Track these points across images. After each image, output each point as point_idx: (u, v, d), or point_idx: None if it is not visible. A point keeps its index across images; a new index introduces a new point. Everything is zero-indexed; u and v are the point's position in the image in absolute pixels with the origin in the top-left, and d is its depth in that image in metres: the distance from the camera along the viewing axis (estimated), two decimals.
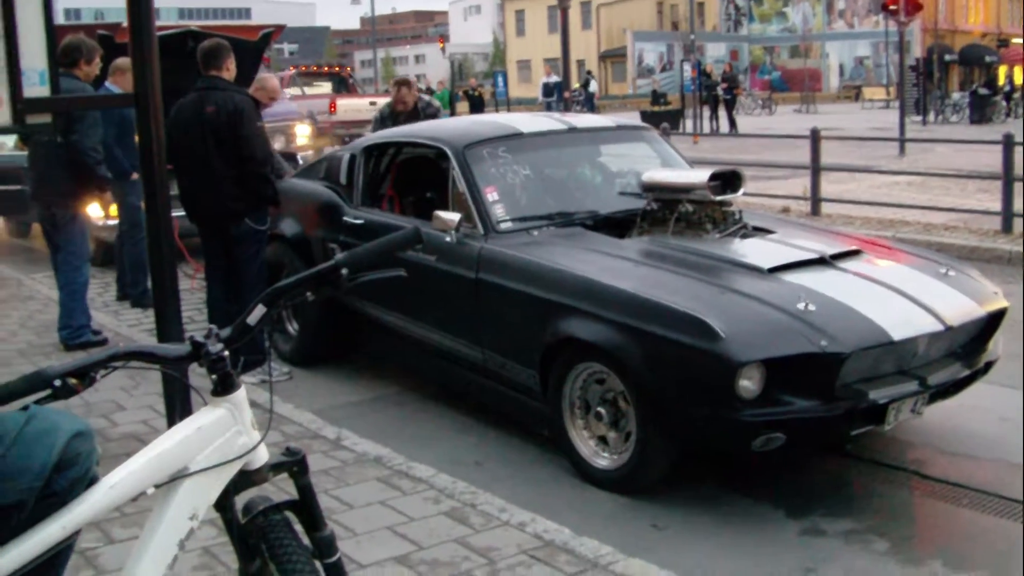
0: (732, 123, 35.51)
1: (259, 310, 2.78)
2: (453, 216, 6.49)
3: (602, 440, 5.80)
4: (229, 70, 7.68)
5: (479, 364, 6.50)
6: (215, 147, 7.47)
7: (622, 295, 5.52)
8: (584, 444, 5.86)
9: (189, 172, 7.62)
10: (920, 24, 55.84)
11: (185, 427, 2.71)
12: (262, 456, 2.85)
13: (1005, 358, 6.75)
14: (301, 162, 13.61)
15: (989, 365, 6.03)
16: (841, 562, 4.97)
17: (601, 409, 5.73)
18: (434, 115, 11.36)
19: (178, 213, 6.84)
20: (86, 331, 8.67)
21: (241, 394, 2.77)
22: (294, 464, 2.91)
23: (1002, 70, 57.21)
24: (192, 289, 10.01)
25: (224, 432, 2.73)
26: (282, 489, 3.75)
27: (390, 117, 11.35)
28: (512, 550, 4.76)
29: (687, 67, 37.46)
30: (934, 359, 5.66)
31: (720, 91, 36.27)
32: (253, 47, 12.37)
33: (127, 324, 9.53)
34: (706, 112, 36.40)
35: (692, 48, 43.69)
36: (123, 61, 10.09)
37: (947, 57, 60.55)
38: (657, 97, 40.06)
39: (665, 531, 5.32)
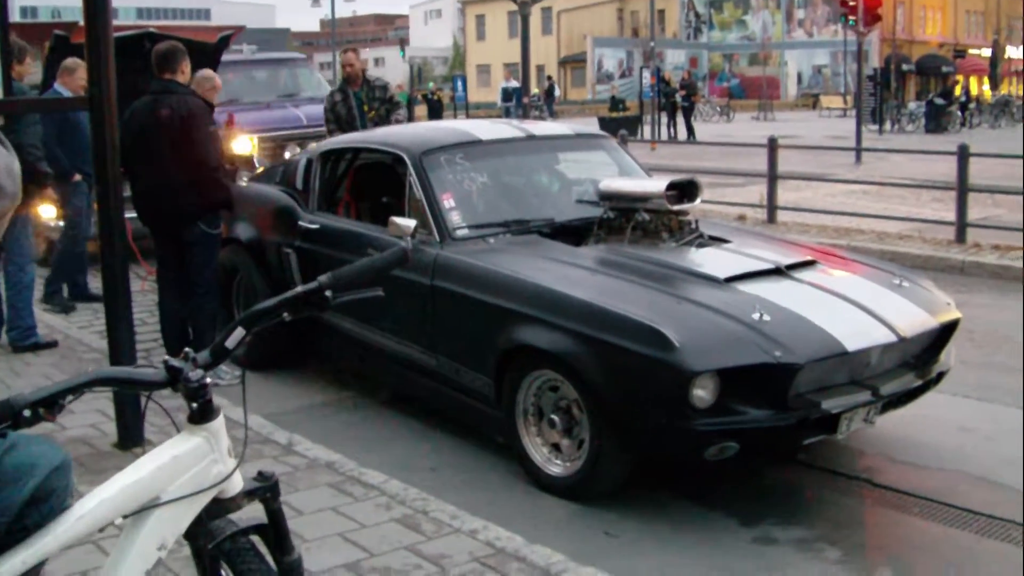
0: (690, 130, 35.59)
1: (238, 332, 2.70)
2: (409, 223, 6.44)
3: (555, 447, 5.79)
4: (184, 73, 7.60)
5: (433, 370, 6.48)
6: (169, 150, 7.38)
7: (577, 303, 5.52)
8: (537, 451, 5.85)
9: (143, 175, 7.56)
10: (878, 34, 56.23)
11: (159, 455, 2.64)
12: (236, 483, 2.78)
13: (961, 368, 6.82)
14: None
15: (941, 375, 6.07)
16: (793, 571, 4.99)
17: (555, 416, 5.72)
18: (389, 99, 11.30)
19: (130, 215, 6.79)
20: (34, 332, 8.57)
21: (219, 422, 2.70)
22: (267, 490, 2.84)
23: (958, 80, 57.70)
24: (143, 290, 9.91)
25: (200, 461, 2.66)
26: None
27: (340, 91, 11.28)
28: (463, 558, 4.74)
29: (646, 74, 37.57)
30: (887, 369, 5.69)
31: (678, 98, 36.36)
32: (211, 49, 12.28)
33: (77, 326, 9.44)
34: (664, 119, 36.50)
35: (652, 55, 43.81)
36: (71, 62, 10.01)
37: (904, 67, 61.08)
38: (616, 103, 40.06)
39: (618, 539, 5.31)
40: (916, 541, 5.35)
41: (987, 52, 67.56)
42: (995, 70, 62.95)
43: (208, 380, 2.64)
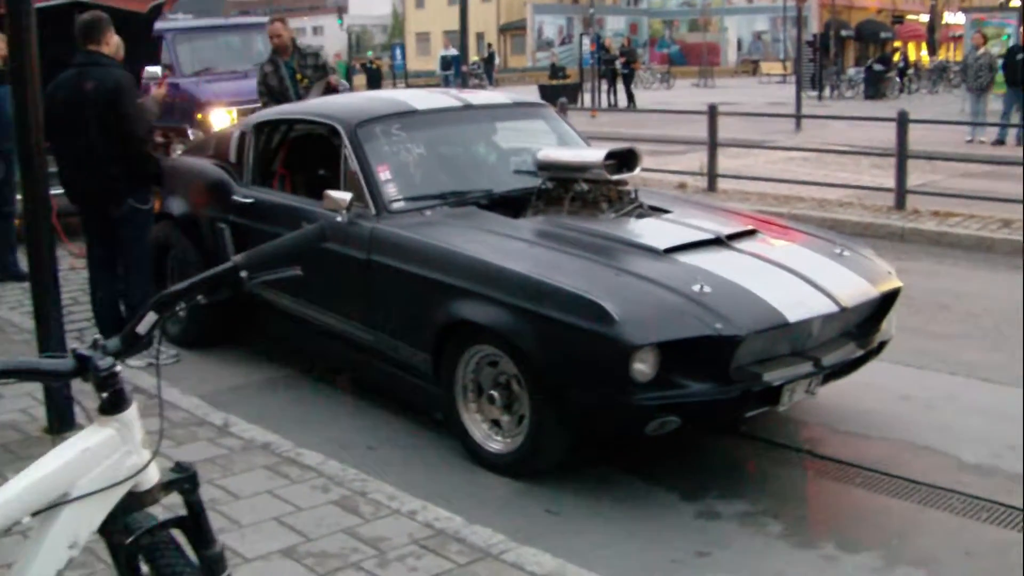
0: (630, 97, 35.53)
1: (150, 317, 2.58)
2: (344, 195, 6.33)
3: (495, 424, 5.71)
4: (109, 44, 7.33)
5: (372, 346, 6.37)
6: (96, 125, 7.13)
7: (515, 277, 5.43)
8: (477, 428, 5.77)
9: (69, 151, 7.32)
10: (818, 0, 56.43)
11: (68, 449, 2.50)
12: (152, 476, 2.65)
13: (905, 335, 6.80)
14: None
15: (882, 345, 6.05)
16: (736, 545, 4.95)
17: (494, 392, 5.63)
18: (323, 66, 11.00)
19: (57, 192, 6.59)
20: None
21: (132, 412, 2.56)
22: (185, 481, 2.71)
23: (897, 46, 58.00)
24: (72, 268, 9.70)
25: (112, 453, 2.52)
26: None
27: (270, 62, 10.89)
28: (402, 540, 4.65)
29: (586, 41, 37.43)
30: (828, 340, 5.65)
31: (618, 65, 36.27)
32: (143, 19, 12.03)
33: (7, 306, 9.21)
34: (604, 86, 36.42)
35: (592, 21, 43.63)
36: None
37: (843, 33, 61.28)
38: (556, 71, 39.92)
39: (559, 516, 5.25)
40: (859, 512, 5.32)
41: (925, 18, 67.97)
42: (933, 36, 63.39)
43: (118, 368, 2.51)
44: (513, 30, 78.77)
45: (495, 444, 5.70)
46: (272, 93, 10.59)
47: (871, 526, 5.13)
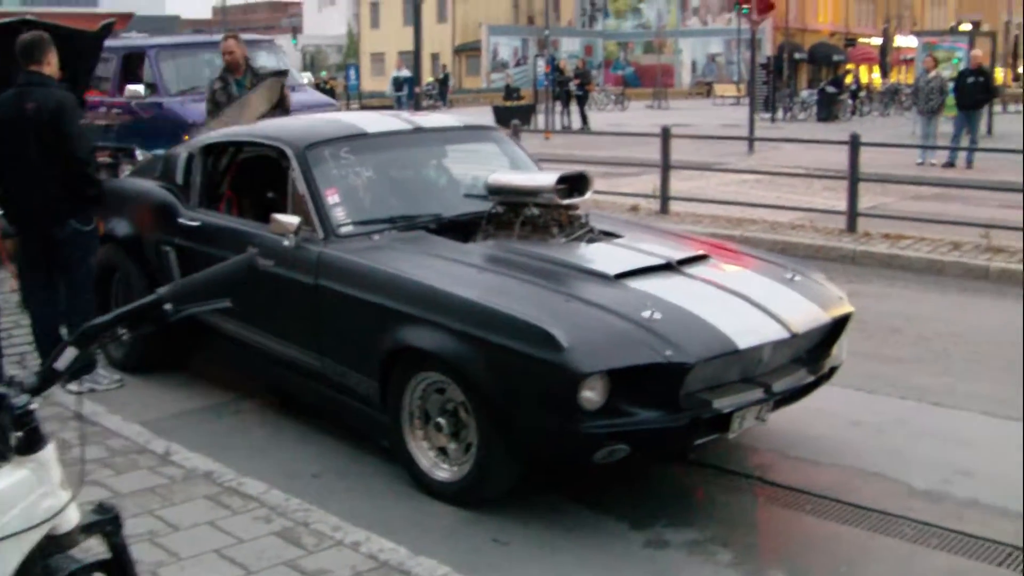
0: (584, 119, 35.56)
1: (69, 352, 2.48)
2: (292, 219, 6.23)
3: (442, 451, 5.62)
4: (51, 64, 7.23)
5: (319, 372, 6.27)
6: (37, 146, 7.02)
7: (462, 303, 5.34)
8: (424, 456, 5.67)
9: (10, 172, 7.20)
10: (771, 23, 56.75)
11: None
12: (72, 518, 2.54)
13: (856, 359, 6.77)
14: None
15: (833, 370, 6.01)
16: (685, 575, 4.88)
17: (441, 420, 5.54)
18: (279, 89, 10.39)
19: None
20: None
21: (49, 451, 2.46)
22: (107, 523, 2.61)
23: (849, 68, 58.41)
24: (13, 290, 9.53)
25: (27, 495, 2.42)
26: None
27: (220, 79, 10.60)
28: (345, 572, 4.55)
29: (540, 62, 37.45)
30: (779, 366, 5.60)
31: (572, 87, 36.30)
32: (92, 37, 11.87)
33: None
34: (559, 108, 36.41)
35: (547, 43, 43.71)
36: None
37: (797, 55, 61.75)
38: (510, 92, 40.00)
39: (507, 546, 5.17)
40: (809, 540, 5.29)
41: (877, 41, 68.66)
42: (885, 58, 64.03)
43: (34, 406, 2.41)
44: (468, 51, 78.86)
45: (442, 472, 5.61)
46: (219, 111, 10.20)
47: (821, 554, 5.09)
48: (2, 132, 7.02)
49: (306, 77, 19.16)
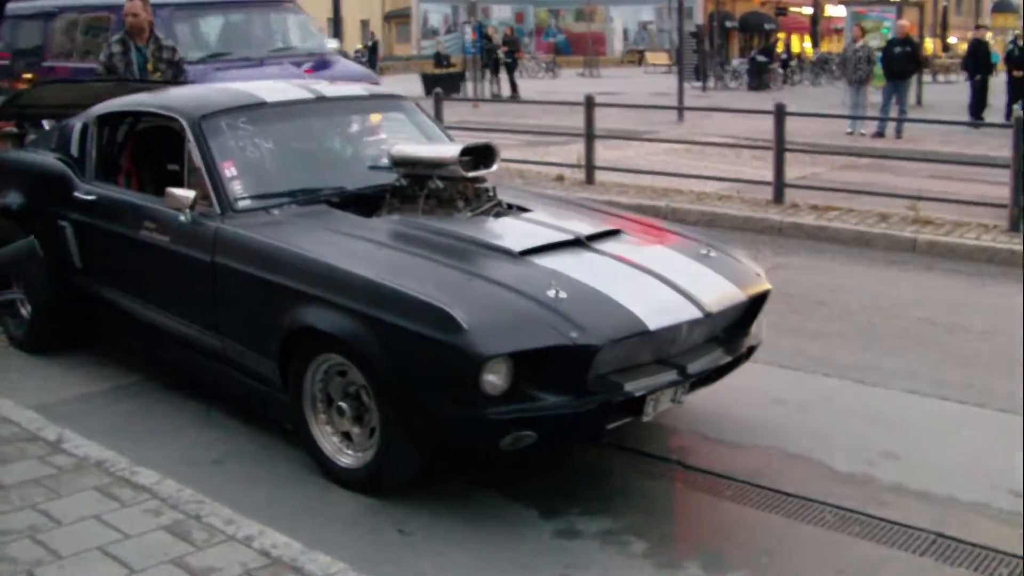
0: (513, 87, 35.26)
1: None
2: (187, 193, 5.95)
3: (346, 436, 5.38)
4: None
5: (219, 352, 6.00)
6: None
7: (360, 281, 5.09)
8: (327, 440, 5.44)
9: None
10: None
11: None
12: None
13: (780, 334, 6.59)
14: None
15: (752, 350, 5.82)
16: (597, 567, 4.68)
17: (343, 404, 5.30)
18: (176, 63, 9.84)
19: None
20: None
21: None
22: None
23: (780, 38, 58.45)
24: None
25: None
26: None
27: (120, 42, 9.73)
28: (235, 570, 4.29)
29: (468, 29, 37.05)
30: (694, 346, 5.40)
31: (501, 55, 35.96)
32: None
33: None
34: (488, 76, 36.10)
35: (476, 10, 43.28)
36: None
37: (727, 24, 61.65)
38: (440, 59, 39.51)
39: (411, 536, 4.94)
40: (727, 527, 5.09)
41: (808, 10, 68.71)
42: (816, 28, 64.12)
43: None
44: (398, 18, 78.06)
45: (346, 458, 5.37)
46: (114, 75, 9.57)
47: (740, 542, 4.89)
48: None
49: (332, 44, 16.17)
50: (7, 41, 16.03)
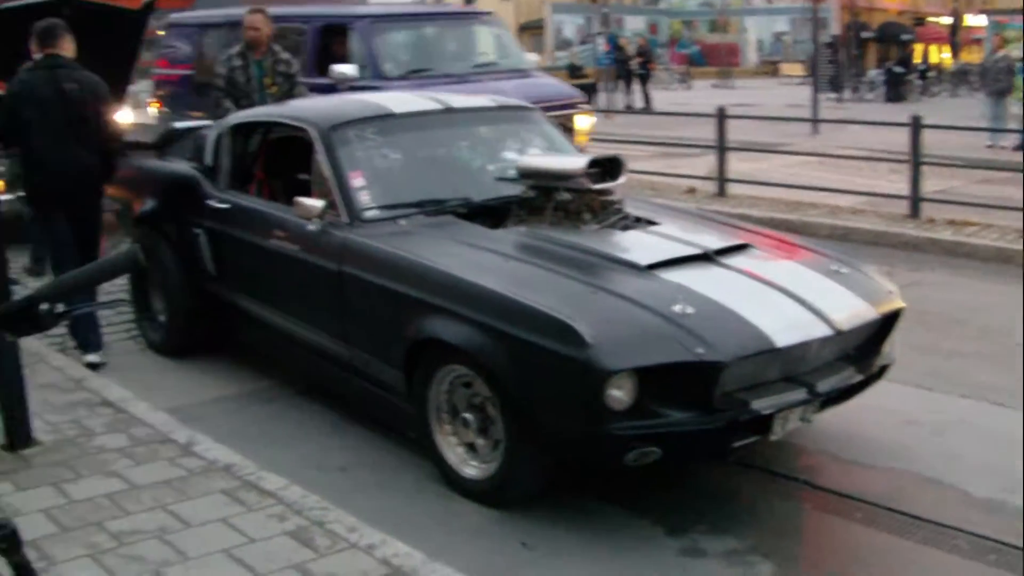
0: (646, 99, 35.08)
1: None
2: (316, 203, 6.03)
3: (471, 447, 5.38)
4: (67, 49, 7.46)
5: (346, 361, 6.06)
6: (78, 123, 7.30)
7: (486, 293, 5.09)
8: (451, 451, 5.44)
9: (46, 151, 7.29)
10: (838, 1, 55.85)
11: None
12: None
13: (915, 353, 6.42)
14: None
15: (884, 369, 5.67)
16: None
17: (468, 415, 5.30)
18: (291, 76, 9.84)
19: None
20: None
21: None
22: (2, 540, 2.43)
23: (918, 48, 57.33)
24: None
25: None
26: None
27: (240, 55, 9.79)
28: None
29: (600, 41, 36.97)
30: (824, 364, 5.28)
31: (634, 65, 35.82)
32: (134, 16, 11.75)
33: None
34: (623, 87, 35.96)
35: (608, 21, 43.22)
36: None
37: (864, 34, 60.68)
38: (574, 70, 39.46)
39: (535, 551, 4.92)
40: (857, 551, 4.96)
41: (947, 20, 67.39)
42: (955, 38, 62.79)
43: None
44: (532, 29, 78.41)
45: (470, 469, 5.37)
46: (234, 88, 9.70)
47: (869, 567, 4.78)
48: (37, 110, 7.18)
49: (532, 58, 14.65)
50: (177, 52, 15.09)
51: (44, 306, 2.38)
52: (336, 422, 6.51)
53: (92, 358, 7.56)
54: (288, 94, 9.65)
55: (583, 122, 12.89)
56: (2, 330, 2.43)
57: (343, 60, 12.13)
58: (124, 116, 14.59)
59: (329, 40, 12.80)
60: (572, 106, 12.74)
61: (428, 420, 5.48)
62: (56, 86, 7.25)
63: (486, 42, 13.93)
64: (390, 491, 5.54)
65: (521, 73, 13.07)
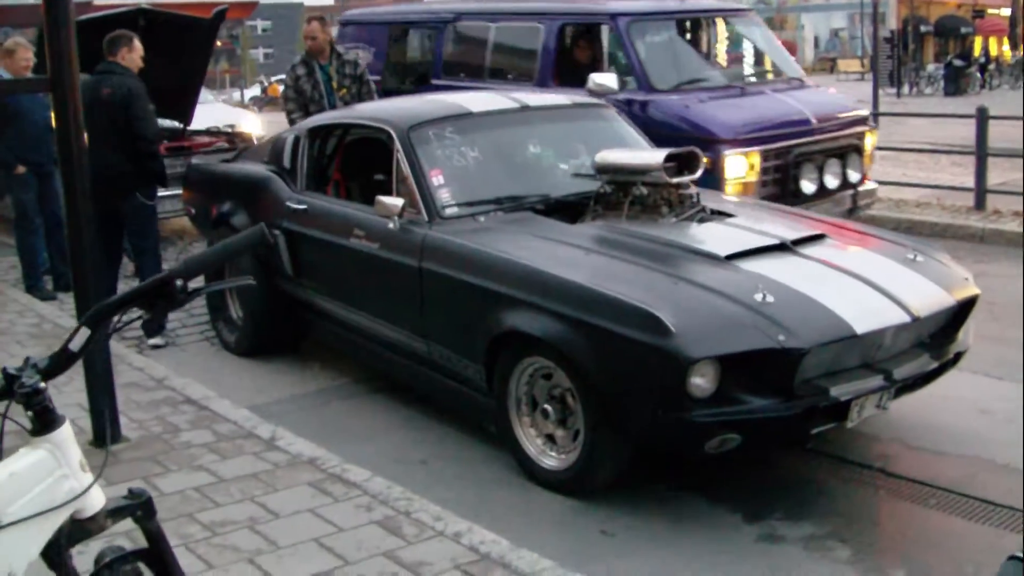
0: None
1: (83, 333, 2.42)
2: (396, 201, 6.14)
3: (550, 439, 5.47)
4: (125, 58, 8.17)
5: (425, 356, 6.17)
6: (111, 127, 7.91)
7: (568, 286, 5.18)
8: (531, 443, 5.53)
9: (89, 152, 7.49)
10: None
11: None
12: (96, 501, 2.48)
13: (983, 342, 6.43)
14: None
15: (959, 356, 5.71)
16: (799, 572, 4.66)
17: (548, 406, 5.39)
18: (359, 76, 9.96)
19: None
20: None
21: (65, 431, 2.39)
22: (137, 508, 2.55)
23: (977, 41, 56.89)
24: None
25: (45, 477, 2.35)
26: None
27: (303, 63, 9.93)
28: (445, 564, 4.42)
29: None
30: (901, 351, 5.33)
31: None
32: (205, 25, 11.96)
33: (69, 314, 9.12)
34: None
35: None
36: (11, 43, 9.76)
37: (922, 28, 60.26)
38: None
39: (615, 537, 5.00)
40: (932, 536, 5.00)
41: (1007, 12, 66.67)
42: (1015, 30, 62.07)
43: (43, 385, 2.35)
44: None
45: (549, 460, 5.46)
46: (302, 98, 9.85)
47: (945, 552, 4.81)
48: (87, 115, 7.36)
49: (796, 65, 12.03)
50: (376, 53, 13.02)
51: (179, 283, 2.49)
52: (412, 417, 6.63)
53: (156, 340, 8.29)
54: (358, 95, 9.81)
55: (868, 141, 10.91)
56: (139, 305, 2.53)
57: (588, 66, 10.61)
58: (253, 125, 14.85)
59: (572, 42, 11.20)
60: (862, 121, 10.90)
61: (508, 412, 5.57)
62: (97, 92, 7.80)
63: (755, 45, 12.13)
64: (470, 483, 5.64)
65: (797, 83, 11.08)
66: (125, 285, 9.04)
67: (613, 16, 10.31)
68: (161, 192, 8.79)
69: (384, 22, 13.35)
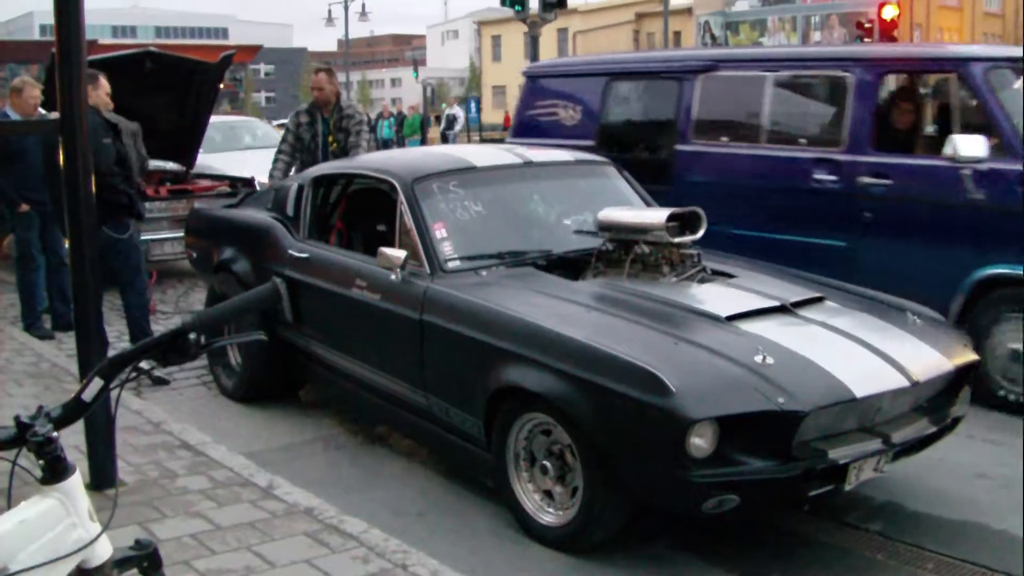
0: None
1: (95, 384, 2.45)
2: (398, 253, 6.17)
3: (548, 495, 5.47)
4: (91, 95, 7.69)
5: (424, 409, 6.18)
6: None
7: (569, 343, 5.20)
8: (529, 498, 5.53)
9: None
10: None
11: (5, 521, 2.34)
12: (103, 551, 2.49)
13: (979, 404, 6.44)
14: None
15: (957, 420, 5.73)
16: None
17: (547, 462, 5.40)
18: (354, 129, 9.96)
19: None
20: None
21: (75, 481, 2.41)
22: (143, 559, 2.57)
23: None
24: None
25: (54, 525, 2.36)
26: None
27: (308, 112, 10.16)
28: None
29: None
30: (899, 415, 5.35)
31: None
32: (213, 68, 12.09)
33: (66, 355, 9.14)
34: None
35: None
36: (18, 81, 9.79)
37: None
38: None
39: None
40: None
41: None
42: None
43: (55, 435, 2.36)
44: None
45: (547, 516, 5.46)
46: (299, 144, 9.99)
47: None
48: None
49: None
50: (584, 111, 10.71)
51: (192, 336, 2.51)
52: (411, 467, 6.63)
53: (160, 373, 8.30)
54: (344, 147, 9.92)
55: None
56: (151, 357, 2.56)
57: (911, 127, 8.84)
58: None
59: (895, 97, 9.09)
60: None
61: (506, 467, 5.58)
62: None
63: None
64: (466, 537, 5.63)
65: None
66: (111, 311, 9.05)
67: (964, 61, 7.98)
68: (152, 235, 8.78)
69: (597, 73, 10.87)
